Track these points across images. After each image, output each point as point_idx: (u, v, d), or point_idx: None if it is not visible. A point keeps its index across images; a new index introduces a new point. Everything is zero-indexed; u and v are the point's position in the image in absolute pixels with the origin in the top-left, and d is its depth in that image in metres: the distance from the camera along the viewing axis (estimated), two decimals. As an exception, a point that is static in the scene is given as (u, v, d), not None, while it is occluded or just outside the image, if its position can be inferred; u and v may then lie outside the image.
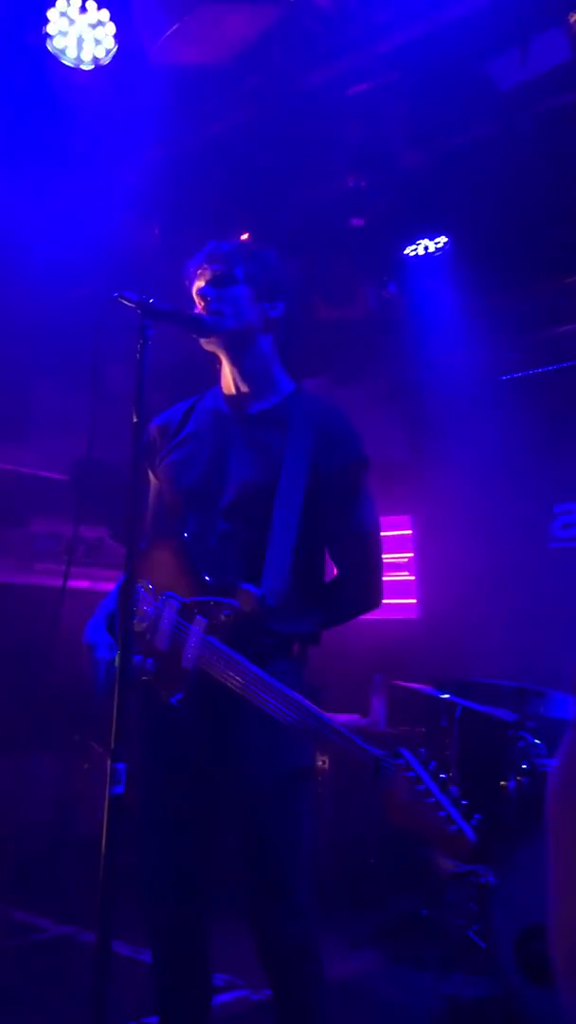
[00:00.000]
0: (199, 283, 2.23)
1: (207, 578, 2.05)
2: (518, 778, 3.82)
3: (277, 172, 3.82)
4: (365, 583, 2.25)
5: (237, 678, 1.90)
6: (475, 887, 3.60)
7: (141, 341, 1.92)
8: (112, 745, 1.76)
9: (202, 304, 2.19)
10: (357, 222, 4.20)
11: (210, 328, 2.15)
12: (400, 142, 3.52)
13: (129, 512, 1.84)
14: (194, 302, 2.22)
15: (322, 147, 3.70)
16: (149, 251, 4.09)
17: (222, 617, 1.97)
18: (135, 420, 1.90)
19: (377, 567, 2.26)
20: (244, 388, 2.25)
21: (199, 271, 2.23)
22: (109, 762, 1.76)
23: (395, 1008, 3.67)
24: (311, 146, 3.73)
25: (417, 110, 3.52)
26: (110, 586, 2.32)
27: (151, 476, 2.34)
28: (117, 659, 2.04)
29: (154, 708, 2.06)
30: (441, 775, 1.69)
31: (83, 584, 5.49)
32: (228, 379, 2.27)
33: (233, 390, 2.27)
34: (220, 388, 2.32)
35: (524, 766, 3.85)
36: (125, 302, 1.92)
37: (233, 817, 2.11)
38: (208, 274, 2.22)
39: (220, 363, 2.29)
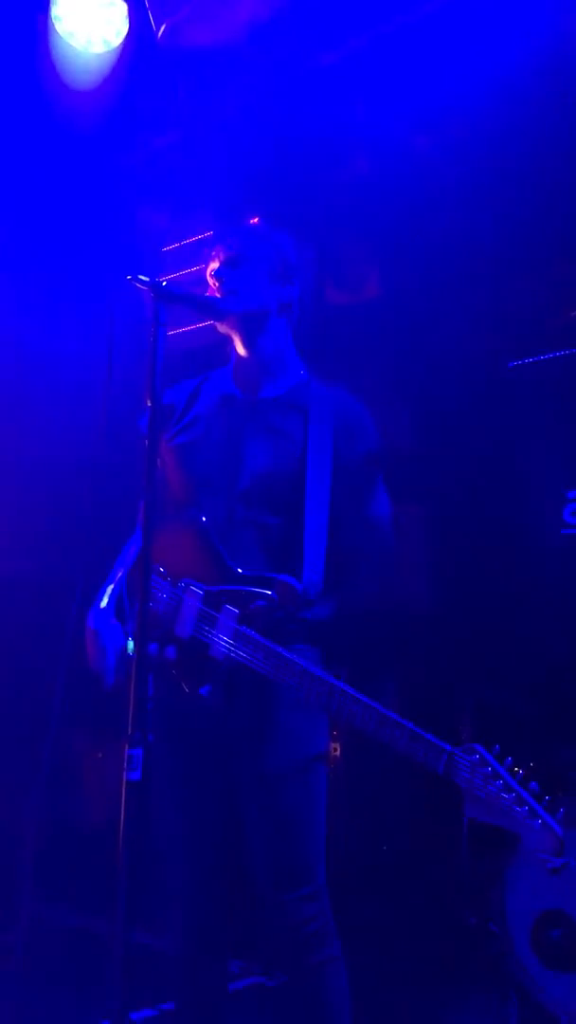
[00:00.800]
0: (213, 264, 2.21)
1: (238, 569, 2.02)
2: (530, 764, 3.80)
3: (287, 155, 3.78)
4: (378, 575, 2.22)
5: (277, 670, 1.89)
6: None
7: (154, 324, 1.90)
8: (129, 731, 1.75)
9: (216, 285, 2.17)
10: (367, 205, 4.16)
11: (223, 311, 2.13)
12: (410, 123, 3.49)
13: (146, 497, 1.81)
14: (208, 284, 2.20)
15: (332, 130, 3.66)
16: (160, 235, 4.06)
17: (256, 607, 1.94)
18: (149, 404, 1.87)
19: (390, 558, 2.23)
20: (256, 371, 2.22)
21: (213, 253, 2.21)
22: (125, 748, 1.75)
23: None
24: (321, 129, 3.70)
25: (428, 90, 3.48)
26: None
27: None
28: (130, 646, 2.03)
29: (173, 695, 2.04)
30: (518, 771, 1.71)
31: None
32: (240, 361, 2.25)
33: (245, 373, 2.24)
34: (229, 370, 2.29)
35: (538, 753, 3.83)
36: (138, 284, 1.89)
37: (252, 802, 2.09)
38: (222, 255, 2.19)
39: (232, 345, 2.26)
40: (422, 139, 3.69)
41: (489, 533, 5.73)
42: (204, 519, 2.10)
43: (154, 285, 1.89)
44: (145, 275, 1.91)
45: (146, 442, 1.83)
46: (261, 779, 2.06)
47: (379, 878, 4.78)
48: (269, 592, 1.95)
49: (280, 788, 2.04)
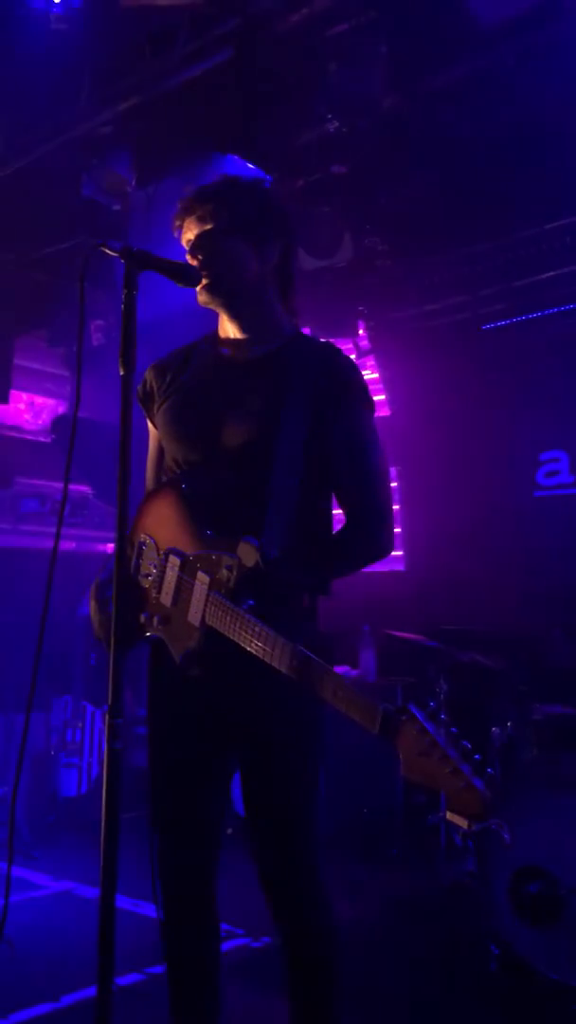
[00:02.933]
0: (187, 235, 2.14)
1: (208, 532, 2.00)
2: (507, 724, 3.86)
3: (256, 118, 3.71)
4: (374, 530, 2.13)
5: (242, 633, 1.86)
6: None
7: (126, 290, 1.86)
8: (110, 701, 1.74)
9: (194, 263, 2.10)
10: (338, 169, 4.11)
11: (199, 276, 2.07)
12: (381, 84, 3.44)
13: (120, 469, 1.78)
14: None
15: (302, 91, 3.60)
16: (125, 201, 3.99)
17: (224, 572, 1.92)
18: (122, 373, 1.84)
19: (386, 513, 2.15)
20: (244, 335, 2.17)
21: (185, 220, 2.14)
22: (107, 718, 1.75)
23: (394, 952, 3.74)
24: (290, 90, 3.63)
25: (398, 50, 3.43)
26: (96, 546, 2.26)
27: (150, 425, 2.27)
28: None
29: (164, 663, 2.03)
30: (451, 729, 1.60)
31: (70, 545, 5.48)
32: (227, 327, 2.20)
33: (230, 334, 2.19)
34: (218, 333, 2.23)
35: (512, 713, 3.89)
36: (108, 251, 1.85)
37: (245, 766, 2.09)
38: (195, 226, 2.12)
39: (218, 314, 2.21)
40: (393, 98, 3.65)
41: (463, 495, 5.77)
42: (184, 486, 2.07)
43: (125, 250, 1.85)
44: (115, 241, 1.87)
45: (121, 414, 1.80)
46: (252, 743, 2.05)
47: (360, 839, 4.85)
48: (232, 555, 1.92)
49: (271, 753, 2.03)
